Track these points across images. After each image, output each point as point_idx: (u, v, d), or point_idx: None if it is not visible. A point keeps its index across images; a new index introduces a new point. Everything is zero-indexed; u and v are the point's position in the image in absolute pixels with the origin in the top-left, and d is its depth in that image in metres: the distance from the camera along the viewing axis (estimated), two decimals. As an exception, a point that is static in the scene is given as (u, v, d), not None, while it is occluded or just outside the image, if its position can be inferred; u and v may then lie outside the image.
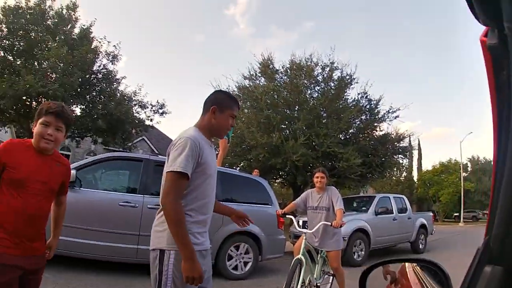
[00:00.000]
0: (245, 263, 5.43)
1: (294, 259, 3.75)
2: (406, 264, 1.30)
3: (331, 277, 4.52)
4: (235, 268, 5.35)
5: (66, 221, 4.29)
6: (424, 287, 1.09)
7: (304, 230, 4.04)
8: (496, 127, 0.58)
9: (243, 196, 5.68)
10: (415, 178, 38.00)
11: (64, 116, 1.87)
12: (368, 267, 1.16)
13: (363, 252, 7.50)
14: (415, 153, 35.38)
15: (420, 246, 9.48)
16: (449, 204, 33.61)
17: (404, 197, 9.93)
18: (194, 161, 1.72)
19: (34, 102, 13.27)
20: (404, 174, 36.49)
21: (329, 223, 3.90)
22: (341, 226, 3.87)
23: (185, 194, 1.74)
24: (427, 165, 39.86)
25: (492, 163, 0.62)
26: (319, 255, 4.28)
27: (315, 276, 4.17)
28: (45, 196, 1.87)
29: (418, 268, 1.21)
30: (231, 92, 14.68)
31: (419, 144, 35.50)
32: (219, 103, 1.86)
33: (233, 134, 10.69)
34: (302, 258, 3.71)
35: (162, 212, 1.73)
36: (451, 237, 14.97)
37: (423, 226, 9.67)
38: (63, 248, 4.41)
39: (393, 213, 8.79)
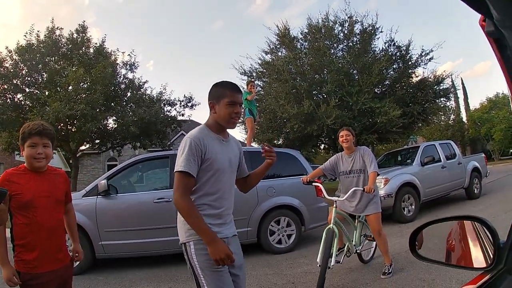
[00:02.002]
0: (289, 236, 5.43)
1: (325, 230, 3.58)
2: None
3: (374, 242, 4.29)
4: (279, 242, 5.37)
5: (110, 226, 4.60)
6: (480, 242, 1.06)
7: (334, 198, 3.78)
8: None
9: (276, 170, 5.58)
10: (464, 120, 35.70)
11: (46, 132, 1.93)
12: (415, 230, 1.19)
13: (413, 207, 7.17)
14: (460, 94, 33.39)
15: (475, 191, 8.85)
16: (504, 141, 31.30)
17: (451, 142, 9.26)
18: (197, 159, 1.76)
19: (69, 126, 14.09)
20: (452, 117, 34.42)
21: (361, 189, 3.66)
22: (373, 191, 3.60)
23: (194, 190, 1.80)
24: (475, 104, 37.26)
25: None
26: (356, 220, 4.05)
27: (354, 243, 3.97)
28: (55, 208, 1.96)
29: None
30: (255, 70, 14.63)
31: (462, 83, 33.48)
32: (213, 97, 1.88)
33: (258, 108, 10.52)
34: (334, 227, 3.52)
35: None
36: (510, 177, 13.61)
37: (475, 169, 8.98)
38: (111, 251, 4.70)
39: (441, 161, 8.25)
